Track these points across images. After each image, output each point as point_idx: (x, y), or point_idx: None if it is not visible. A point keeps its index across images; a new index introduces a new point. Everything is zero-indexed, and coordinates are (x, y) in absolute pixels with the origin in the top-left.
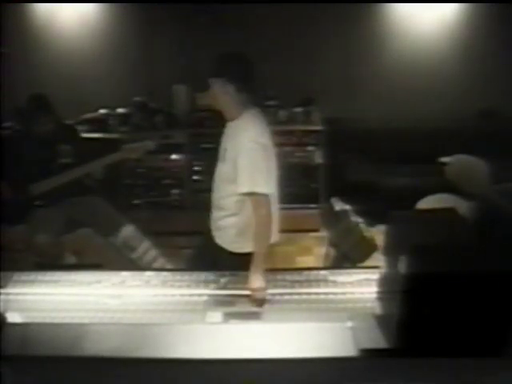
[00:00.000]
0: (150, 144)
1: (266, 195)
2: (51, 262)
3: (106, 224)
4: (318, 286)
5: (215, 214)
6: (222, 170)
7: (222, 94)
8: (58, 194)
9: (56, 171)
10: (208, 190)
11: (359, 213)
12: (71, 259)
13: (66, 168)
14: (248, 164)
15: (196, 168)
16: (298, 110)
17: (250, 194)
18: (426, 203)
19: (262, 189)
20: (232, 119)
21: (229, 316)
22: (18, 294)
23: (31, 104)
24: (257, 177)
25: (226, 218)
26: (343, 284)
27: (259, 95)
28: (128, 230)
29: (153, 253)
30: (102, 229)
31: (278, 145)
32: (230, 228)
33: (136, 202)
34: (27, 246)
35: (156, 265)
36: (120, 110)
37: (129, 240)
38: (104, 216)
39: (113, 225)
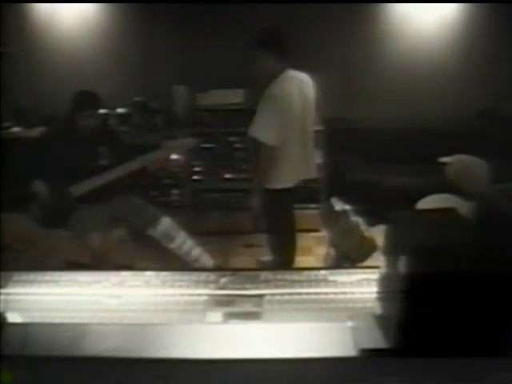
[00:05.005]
0: (192, 141)
1: None
2: (104, 262)
3: (145, 218)
4: (318, 286)
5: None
6: None
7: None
8: (99, 194)
9: (94, 171)
10: (208, 190)
11: (359, 213)
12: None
13: (104, 168)
14: None
15: (196, 168)
16: None
17: None
18: (426, 203)
19: None
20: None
21: (229, 316)
22: (18, 294)
23: (78, 101)
24: None
25: None
26: (343, 284)
27: None
28: (166, 222)
29: (189, 243)
30: (141, 223)
31: None
32: None
33: None
34: (76, 248)
35: (194, 254)
36: (120, 110)
37: (168, 231)
38: (143, 211)
39: (152, 218)
